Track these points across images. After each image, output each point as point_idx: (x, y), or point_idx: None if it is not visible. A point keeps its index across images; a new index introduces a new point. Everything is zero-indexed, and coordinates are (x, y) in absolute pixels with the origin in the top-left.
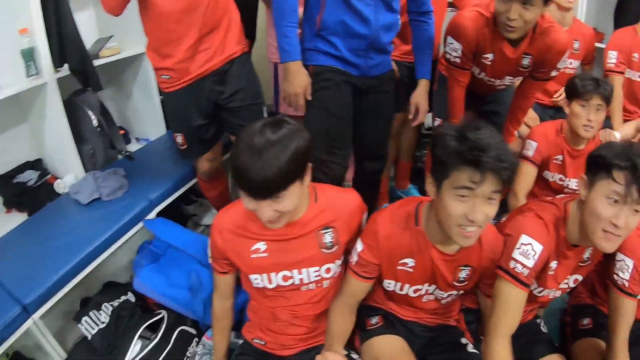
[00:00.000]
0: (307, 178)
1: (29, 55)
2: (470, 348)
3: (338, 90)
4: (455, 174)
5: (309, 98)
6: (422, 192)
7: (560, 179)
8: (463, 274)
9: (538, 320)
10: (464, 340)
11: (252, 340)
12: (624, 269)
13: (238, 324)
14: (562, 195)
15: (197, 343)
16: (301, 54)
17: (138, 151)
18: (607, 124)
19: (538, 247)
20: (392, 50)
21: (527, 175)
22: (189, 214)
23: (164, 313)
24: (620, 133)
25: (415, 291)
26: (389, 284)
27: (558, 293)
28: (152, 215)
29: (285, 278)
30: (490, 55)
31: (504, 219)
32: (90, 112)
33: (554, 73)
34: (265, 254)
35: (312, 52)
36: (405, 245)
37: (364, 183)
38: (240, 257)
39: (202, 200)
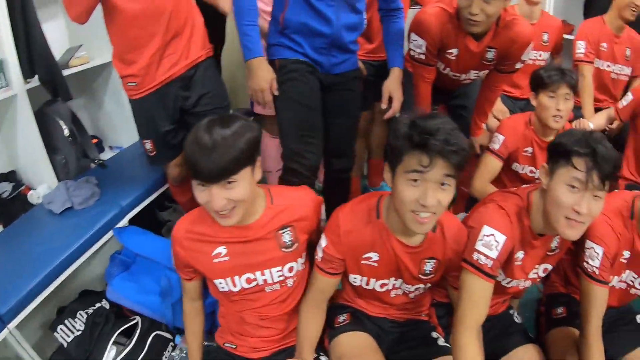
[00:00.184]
0: (258, 172)
1: None
2: (441, 342)
3: (304, 80)
4: (406, 158)
5: (276, 93)
6: None
7: (531, 171)
8: (428, 266)
9: (511, 311)
10: (434, 335)
11: (224, 345)
12: (594, 257)
13: (210, 329)
14: (526, 185)
15: (174, 347)
16: (266, 50)
17: (111, 159)
18: (578, 114)
19: (501, 238)
20: (357, 49)
21: (489, 167)
22: (164, 219)
23: (137, 319)
24: (593, 123)
25: (382, 285)
26: (355, 279)
27: (528, 283)
28: (124, 221)
29: (248, 280)
30: (454, 51)
31: None
32: (61, 122)
33: (518, 65)
34: (226, 258)
35: (277, 47)
36: (367, 239)
37: (333, 182)
38: (202, 264)
39: (176, 206)
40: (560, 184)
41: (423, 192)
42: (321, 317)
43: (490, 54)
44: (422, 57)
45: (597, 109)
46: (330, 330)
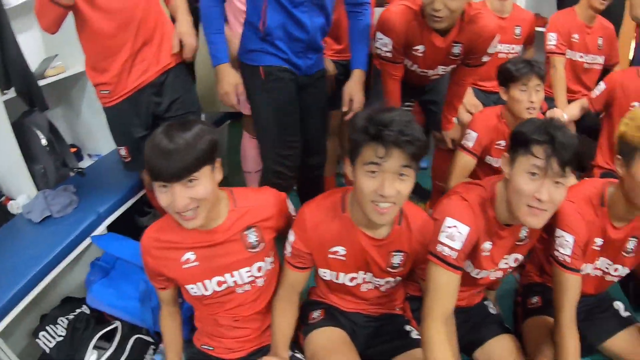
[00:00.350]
0: (219, 173)
1: None
2: (414, 334)
3: (287, 87)
4: (364, 151)
5: (242, 97)
6: None
7: None
8: (396, 259)
9: (486, 303)
10: (408, 328)
11: (201, 347)
12: (565, 245)
13: (189, 333)
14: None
15: (155, 351)
16: (248, 55)
17: (90, 167)
18: (552, 106)
19: (464, 229)
20: (324, 48)
21: (463, 164)
22: (144, 225)
23: (117, 323)
24: (566, 113)
25: (351, 279)
26: (325, 274)
27: (499, 274)
28: (101, 228)
29: (219, 283)
30: (420, 47)
31: None
32: (38, 132)
33: (485, 58)
34: (195, 263)
35: (259, 53)
36: (334, 233)
37: (308, 178)
38: (172, 270)
39: (156, 212)
40: (520, 172)
41: (381, 183)
42: (294, 311)
43: (456, 49)
44: (389, 55)
45: (573, 100)
46: (304, 327)
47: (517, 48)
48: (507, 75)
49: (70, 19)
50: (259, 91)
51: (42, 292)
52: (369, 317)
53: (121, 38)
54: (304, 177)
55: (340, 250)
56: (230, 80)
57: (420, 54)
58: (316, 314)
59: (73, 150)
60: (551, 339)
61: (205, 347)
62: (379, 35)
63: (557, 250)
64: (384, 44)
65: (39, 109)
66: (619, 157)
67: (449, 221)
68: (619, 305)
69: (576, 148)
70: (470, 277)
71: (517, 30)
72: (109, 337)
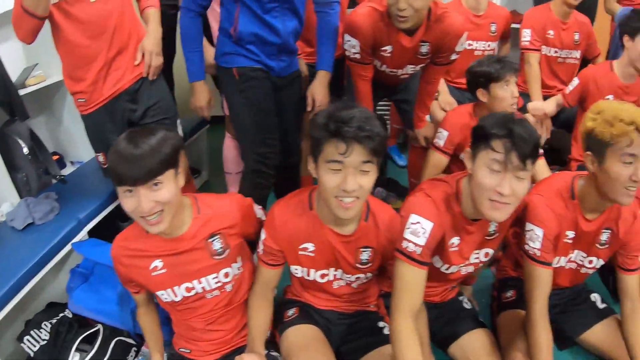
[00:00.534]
0: (181, 178)
1: None
2: (387, 331)
3: (262, 86)
4: (325, 148)
5: (212, 111)
6: None
7: None
8: (364, 255)
9: (461, 298)
10: (381, 324)
11: (179, 350)
12: (534, 239)
13: (168, 333)
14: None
15: (137, 353)
16: (223, 58)
17: (72, 174)
18: (528, 101)
19: (427, 225)
20: (297, 50)
21: (435, 163)
22: None
23: (99, 326)
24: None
25: (322, 276)
26: (296, 270)
27: (470, 268)
28: (82, 234)
29: (188, 289)
30: (388, 48)
31: None
32: (20, 141)
33: (453, 57)
34: (163, 270)
35: (233, 55)
36: (302, 230)
37: (284, 179)
38: (142, 277)
39: None
40: (481, 167)
41: (344, 178)
42: (269, 308)
43: (424, 48)
44: (358, 56)
45: (549, 96)
46: (280, 325)
47: (493, 45)
48: (488, 77)
49: (48, 28)
50: (234, 92)
51: (26, 298)
52: (342, 314)
53: (95, 47)
54: (280, 178)
55: (310, 246)
56: (205, 97)
57: (389, 55)
58: (291, 312)
59: (55, 157)
60: (524, 332)
61: (183, 350)
62: (347, 37)
63: (528, 244)
64: (352, 46)
65: (20, 118)
66: (588, 153)
67: (413, 217)
68: (596, 297)
69: (535, 142)
70: (440, 272)
71: (493, 27)
72: (91, 339)
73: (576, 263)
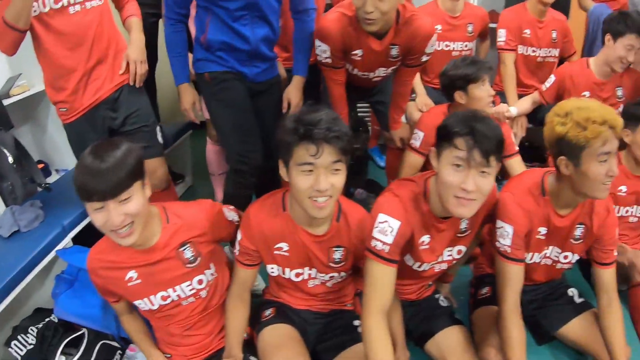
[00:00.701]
0: (148, 189)
1: None
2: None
3: (234, 87)
4: (296, 151)
5: (199, 114)
6: None
7: None
8: (337, 254)
9: (437, 296)
10: (356, 322)
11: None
12: (505, 236)
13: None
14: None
15: (122, 356)
16: (196, 64)
17: (56, 182)
18: (504, 100)
19: (395, 223)
20: (275, 57)
21: (411, 164)
22: None
23: (84, 330)
24: (517, 108)
25: (297, 275)
26: (272, 269)
27: (444, 266)
28: (66, 240)
29: (163, 298)
30: (359, 52)
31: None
32: (5, 151)
33: (424, 58)
34: (138, 281)
35: (204, 61)
36: (277, 230)
37: (264, 182)
38: (119, 288)
39: None
40: (446, 165)
41: (316, 179)
42: (245, 309)
43: (394, 51)
44: (329, 60)
45: (525, 95)
46: (257, 325)
47: (470, 45)
48: (466, 79)
49: (31, 38)
50: (210, 96)
51: (14, 304)
52: (318, 314)
53: (75, 58)
54: (260, 181)
55: (284, 246)
56: (189, 99)
57: (359, 58)
58: (268, 312)
59: (40, 166)
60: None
61: (164, 354)
62: (317, 42)
63: (498, 241)
64: (322, 51)
65: (4, 128)
66: (562, 158)
67: (380, 217)
68: (573, 291)
69: (499, 138)
70: (413, 270)
71: (470, 28)
72: (76, 343)
73: (551, 259)
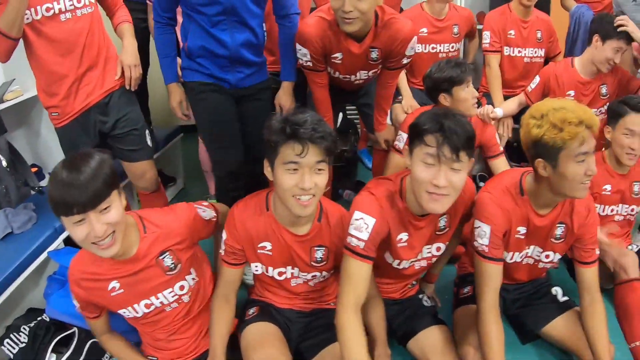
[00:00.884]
0: (123, 198)
1: None
2: None
3: (212, 98)
4: (282, 150)
5: (186, 112)
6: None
7: None
8: (319, 254)
9: (420, 296)
10: None
11: (148, 358)
12: (482, 235)
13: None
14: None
15: (111, 356)
16: (182, 72)
17: None
18: (491, 102)
19: (370, 221)
20: (262, 61)
21: (395, 165)
22: None
23: (74, 329)
24: (502, 109)
25: (280, 274)
26: (256, 267)
27: (424, 263)
28: (58, 242)
29: (147, 305)
30: (339, 55)
31: None
32: None
33: (405, 61)
34: (121, 291)
35: (187, 70)
36: (260, 229)
37: (252, 186)
38: (102, 298)
39: None
40: (417, 162)
41: (301, 178)
42: (231, 310)
43: (374, 54)
44: (310, 64)
45: (512, 96)
46: (241, 324)
47: (457, 46)
48: (451, 81)
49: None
50: (193, 104)
51: (7, 304)
52: (301, 312)
53: (66, 64)
54: (248, 185)
55: (268, 245)
56: (176, 98)
57: (339, 61)
58: (252, 311)
59: (34, 169)
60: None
61: (151, 357)
62: (298, 46)
63: (476, 241)
64: (303, 54)
65: None
66: (539, 160)
67: (356, 214)
68: (557, 290)
69: (468, 134)
70: (392, 268)
71: (455, 29)
72: (67, 342)
73: (533, 258)
